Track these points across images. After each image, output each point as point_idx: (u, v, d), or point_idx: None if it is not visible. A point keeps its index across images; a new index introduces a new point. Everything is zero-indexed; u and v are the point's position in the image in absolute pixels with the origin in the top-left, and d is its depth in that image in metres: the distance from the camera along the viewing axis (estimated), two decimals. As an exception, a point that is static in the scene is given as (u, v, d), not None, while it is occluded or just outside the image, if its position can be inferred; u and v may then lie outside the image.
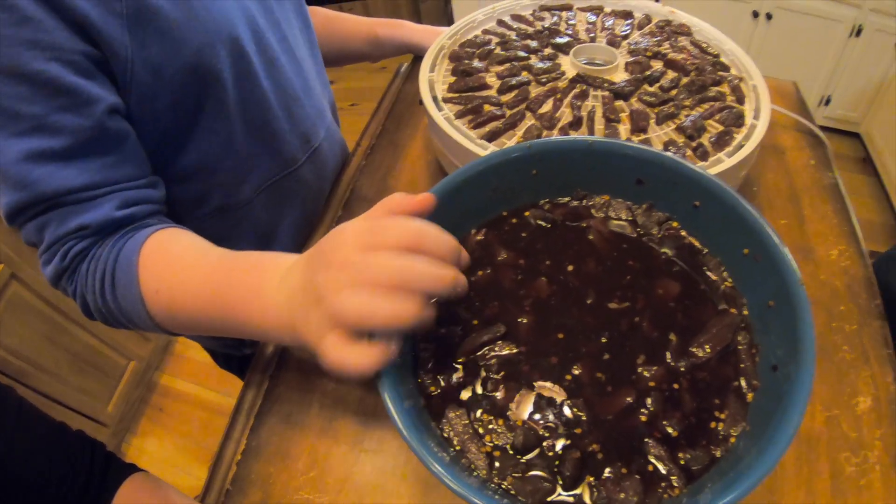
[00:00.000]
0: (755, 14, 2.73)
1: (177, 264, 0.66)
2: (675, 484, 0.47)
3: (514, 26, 1.04)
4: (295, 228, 0.98)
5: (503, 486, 0.47)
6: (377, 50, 1.20)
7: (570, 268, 0.60)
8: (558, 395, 0.52)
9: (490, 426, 0.50)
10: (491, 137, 0.81)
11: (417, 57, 1.21)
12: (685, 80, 0.90)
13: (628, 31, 1.01)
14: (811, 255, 0.84)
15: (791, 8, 2.69)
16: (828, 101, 2.92)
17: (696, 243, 0.61)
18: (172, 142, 0.76)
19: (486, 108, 0.86)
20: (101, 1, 0.60)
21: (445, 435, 0.50)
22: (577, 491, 0.47)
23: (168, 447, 2.09)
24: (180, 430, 2.13)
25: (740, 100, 0.87)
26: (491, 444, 0.49)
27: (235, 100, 0.77)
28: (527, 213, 0.65)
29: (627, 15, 1.06)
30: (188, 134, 0.77)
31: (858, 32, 2.63)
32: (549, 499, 0.47)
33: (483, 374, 0.53)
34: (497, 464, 0.48)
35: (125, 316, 0.68)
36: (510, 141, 0.81)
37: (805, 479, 0.63)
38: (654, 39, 0.99)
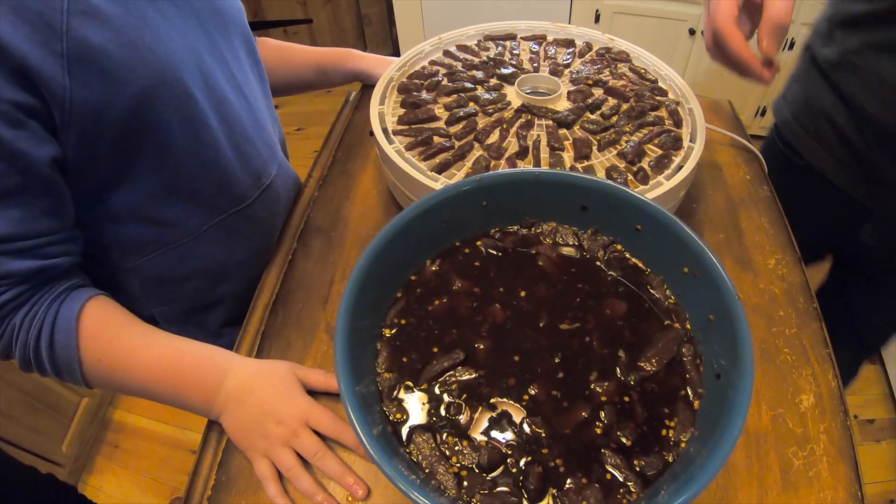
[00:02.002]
0: (692, 32, 2.81)
1: (122, 338, 0.72)
2: (633, 489, 0.50)
3: (461, 57, 1.07)
4: (246, 265, 0.97)
5: None
6: (326, 79, 1.20)
7: (523, 293, 0.63)
8: (518, 414, 0.54)
9: (456, 448, 0.52)
10: (441, 169, 0.82)
11: (366, 85, 1.23)
12: (625, 106, 0.93)
13: (570, 60, 1.05)
14: (750, 266, 0.88)
15: (725, 24, 2.76)
16: (763, 112, 3.02)
17: (640, 264, 0.65)
18: (115, 181, 0.75)
19: (436, 139, 0.87)
20: (41, 41, 0.58)
21: (414, 458, 0.52)
22: (543, 503, 0.50)
23: (126, 484, 2.04)
24: (138, 466, 2.08)
25: (678, 123, 0.91)
26: (458, 465, 0.51)
27: (182, 140, 0.76)
28: (479, 243, 0.67)
29: (569, 43, 1.09)
30: (131, 174, 0.75)
31: (791, 46, 2.73)
32: (514, 512, 0.49)
33: (445, 398, 0.55)
34: (465, 483, 0.50)
35: (54, 369, 0.71)
36: (459, 172, 0.83)
37: (756, 474, 0.66)
38: (595, 67, 1.02)
